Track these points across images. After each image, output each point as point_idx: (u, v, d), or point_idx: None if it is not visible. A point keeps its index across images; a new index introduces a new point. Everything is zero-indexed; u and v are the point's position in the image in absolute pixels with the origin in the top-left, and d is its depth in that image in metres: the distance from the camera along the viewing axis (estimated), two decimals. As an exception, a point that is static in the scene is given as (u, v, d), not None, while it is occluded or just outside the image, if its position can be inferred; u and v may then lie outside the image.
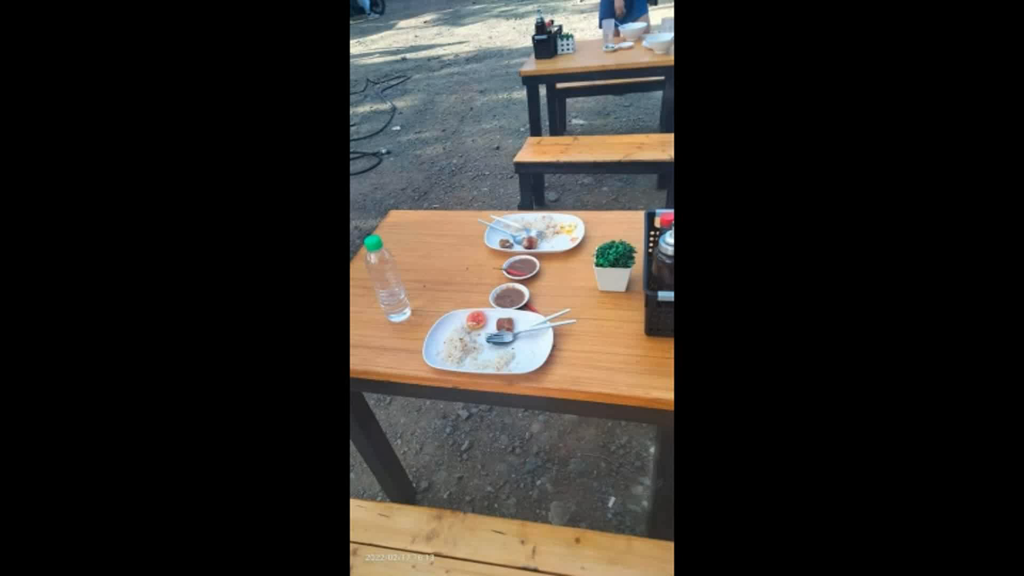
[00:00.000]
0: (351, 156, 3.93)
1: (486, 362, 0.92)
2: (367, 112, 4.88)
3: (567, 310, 0.99)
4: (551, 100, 3.22)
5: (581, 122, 3.96)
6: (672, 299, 0.84)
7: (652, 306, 0.87)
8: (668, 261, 0.87)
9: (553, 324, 0.96)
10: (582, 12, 7.42)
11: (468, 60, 6.08)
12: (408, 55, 6.70)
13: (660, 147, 2.34)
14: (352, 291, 1.15)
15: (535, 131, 2.98)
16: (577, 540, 0.93)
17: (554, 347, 0.92)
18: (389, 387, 0.98)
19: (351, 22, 9.34)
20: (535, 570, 0.90)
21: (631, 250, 1.00)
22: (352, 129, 4.47)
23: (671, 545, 0.91)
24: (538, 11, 7.36)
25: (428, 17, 9.05)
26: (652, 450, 1.59)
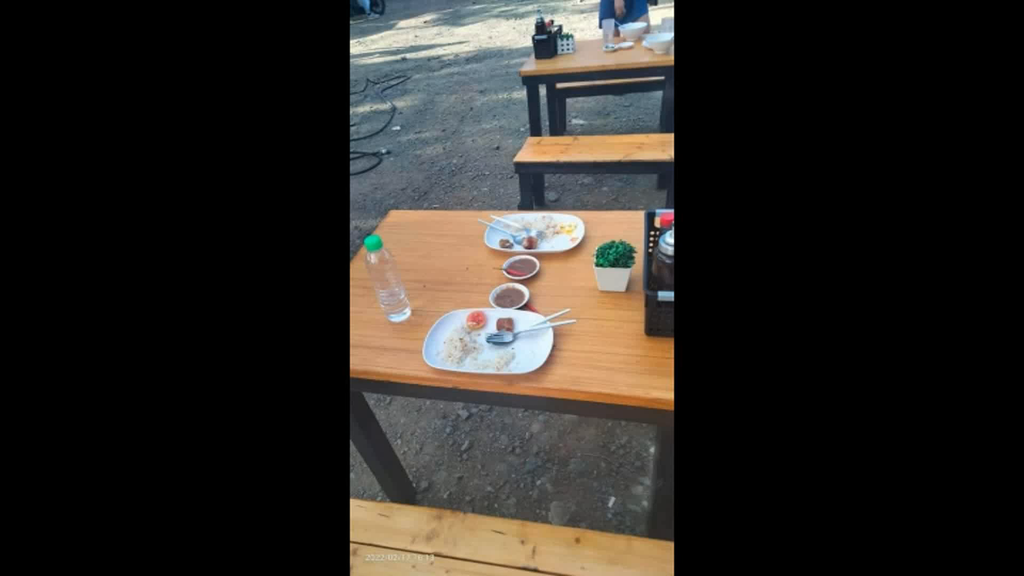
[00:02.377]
0: (351, 156, 3.93)
1: (486, 362, 0.92)
2: (367, 112, 4.88)
3: (567, 310, 0.99)
4: (551, 100, 3.22)
5: (581, 122, 3.96)
6: (672, 299, 0.84)
7: (652, 306, 0.87)
8: (668, 261, 0.87)
9: (553, 324, 0.96)
10: (582, 12, 7.42)
11: (468, 60, 6.08)
12: (408, 55, 6.70)
13: (660, 147, 2.34)
14: (352, 291, 1.15)
15: (535, 131, 2.98)
16: (577, 540, 0.93)
17: (554, 347, 0.92)
18: (389, 387, 0.98)
19: (351, 22, 9.34)
20: (535, 570, 0.90)
21: (631, 250, 1.00)
22: (352, 129, 4.47)
23: (671, 545, 0.91)
24: (538, 11, 7.36)
25: (428, 17, 9.05)
26: (652, 450, 1.59)
